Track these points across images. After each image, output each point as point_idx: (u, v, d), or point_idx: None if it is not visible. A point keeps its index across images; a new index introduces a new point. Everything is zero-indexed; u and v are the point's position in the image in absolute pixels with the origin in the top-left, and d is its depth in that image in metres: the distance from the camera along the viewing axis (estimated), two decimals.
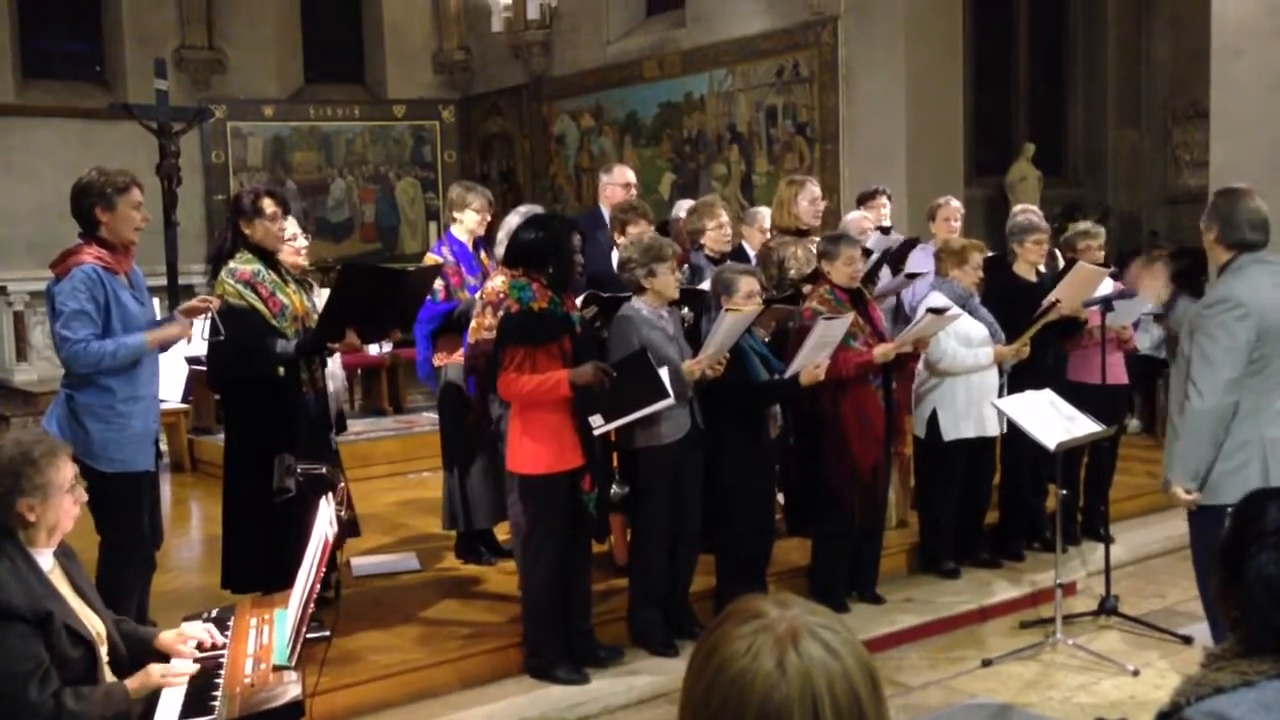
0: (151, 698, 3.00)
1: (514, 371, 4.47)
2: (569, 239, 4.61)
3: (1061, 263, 6.55)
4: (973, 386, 5.77)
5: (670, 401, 4.58)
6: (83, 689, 2.88)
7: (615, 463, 4.99)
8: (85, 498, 3.15)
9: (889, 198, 7.36)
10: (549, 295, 4.54)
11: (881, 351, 5.35)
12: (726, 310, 4.79)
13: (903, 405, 5.97)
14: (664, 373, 4.55)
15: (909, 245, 6.75)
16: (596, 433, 4.53)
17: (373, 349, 8.72)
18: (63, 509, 3.02)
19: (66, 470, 3.05)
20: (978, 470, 5.98)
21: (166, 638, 3.27)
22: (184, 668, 3.12)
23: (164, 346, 4.58)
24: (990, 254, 6.17)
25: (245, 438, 4.89)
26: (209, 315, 4.63)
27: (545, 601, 4.70)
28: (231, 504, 4.95)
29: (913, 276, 6.53)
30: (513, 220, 5.41)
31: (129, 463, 4.36)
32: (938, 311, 5.40)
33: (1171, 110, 12.78)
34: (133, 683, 3.02)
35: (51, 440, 3.16)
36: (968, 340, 5.74)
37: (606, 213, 6.32)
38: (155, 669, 3.08)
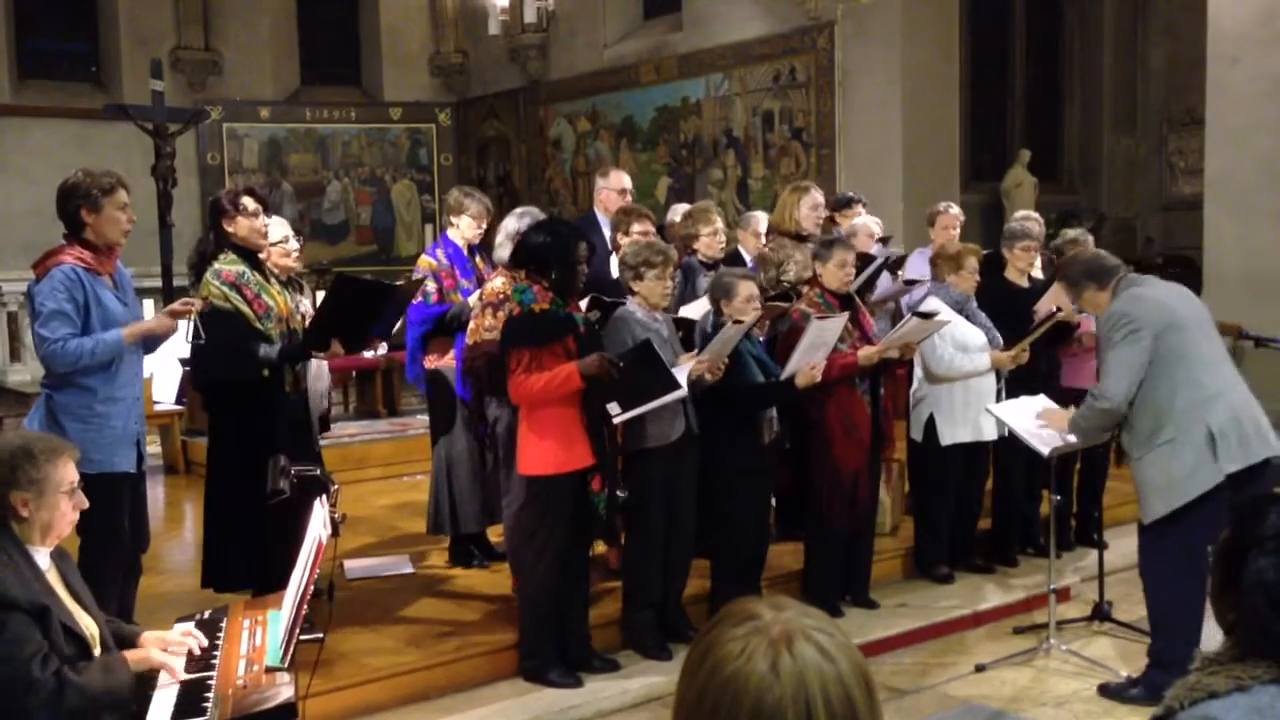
0: (142, 701, 2.99)
1: (522, 373, 4.48)
2: (575, 247, 4.62)
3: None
4: (970, 392, 5.76)
5: (683, 393, 4.60)
6: (80, 663, 2.89)
7: (620, 466, 4.97)
8: (85, 504, 3.12)
9: (865, 206, 7.33)
10: (550, 297, 4.55)
11: (865, 354, 5.30)
12: (732, 323, 4.80)
13: (891, 411, 5.94)
14: (680, 372, 4.55)
15: (900, 261, 6.79)
16: (616, 421, 4.54)
17: (366, 352, 8.71)
18: (58, 510, 2.99)
19: (66, 471, 3.02)
20: (971, 475, 5.98)
21: (149, 640, 3.25)
22: (179, 659, 3.14)
23: (147, 344, 4.53)
24: (987, 251, 6.18)
25: (228, 437, 4.89)
26: (191, 318, 4.61)
27: (544, 604, 4.68)
28: (213, 503, 4.94)
29: (911, 283, 6.53)
30: (510, 223, 5.40)
31: (106, 464, 4.30)
32: (925, 316, 5.39)
33: (1167, 117, 12.82)
34: (132, 655, 3.03)
35: (57, 440, 3.14)
36: (964, 346, 5.74)
37: (601, 218, 6.31)
38: (155, 650, 3.09)
